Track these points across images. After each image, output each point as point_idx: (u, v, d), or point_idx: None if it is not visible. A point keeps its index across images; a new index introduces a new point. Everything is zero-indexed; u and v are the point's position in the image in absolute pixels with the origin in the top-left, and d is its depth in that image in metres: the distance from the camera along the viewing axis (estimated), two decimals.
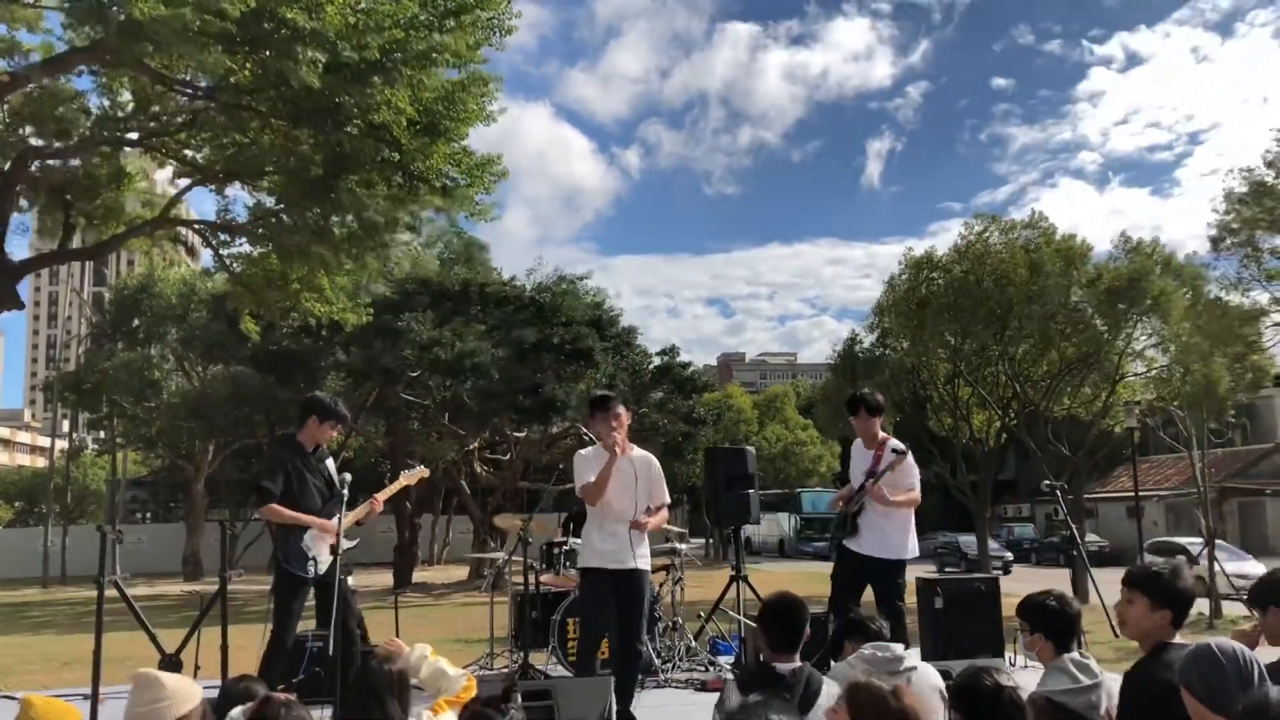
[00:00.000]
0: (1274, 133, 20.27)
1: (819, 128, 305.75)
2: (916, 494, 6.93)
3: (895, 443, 6.99)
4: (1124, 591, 3.59)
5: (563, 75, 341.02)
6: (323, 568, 6.24)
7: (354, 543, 6.12)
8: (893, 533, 6.82)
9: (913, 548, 6.93)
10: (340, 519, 5.96)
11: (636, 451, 6.47)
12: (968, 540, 36.15)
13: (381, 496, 6.66)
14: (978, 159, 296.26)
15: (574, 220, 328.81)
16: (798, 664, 3.98)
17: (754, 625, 5.61)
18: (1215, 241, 21.75)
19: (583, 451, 6.50)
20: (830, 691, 3.76)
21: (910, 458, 6.87)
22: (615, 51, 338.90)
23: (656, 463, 6.59)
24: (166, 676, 3.14)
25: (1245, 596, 4.20)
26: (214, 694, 3.82)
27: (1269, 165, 20.22)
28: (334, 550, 5.92)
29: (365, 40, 11.17)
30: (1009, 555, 36.67)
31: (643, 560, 6.30)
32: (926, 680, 4.22)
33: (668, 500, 6.57)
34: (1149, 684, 3.31)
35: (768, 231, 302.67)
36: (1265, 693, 2.23)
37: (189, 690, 3.14)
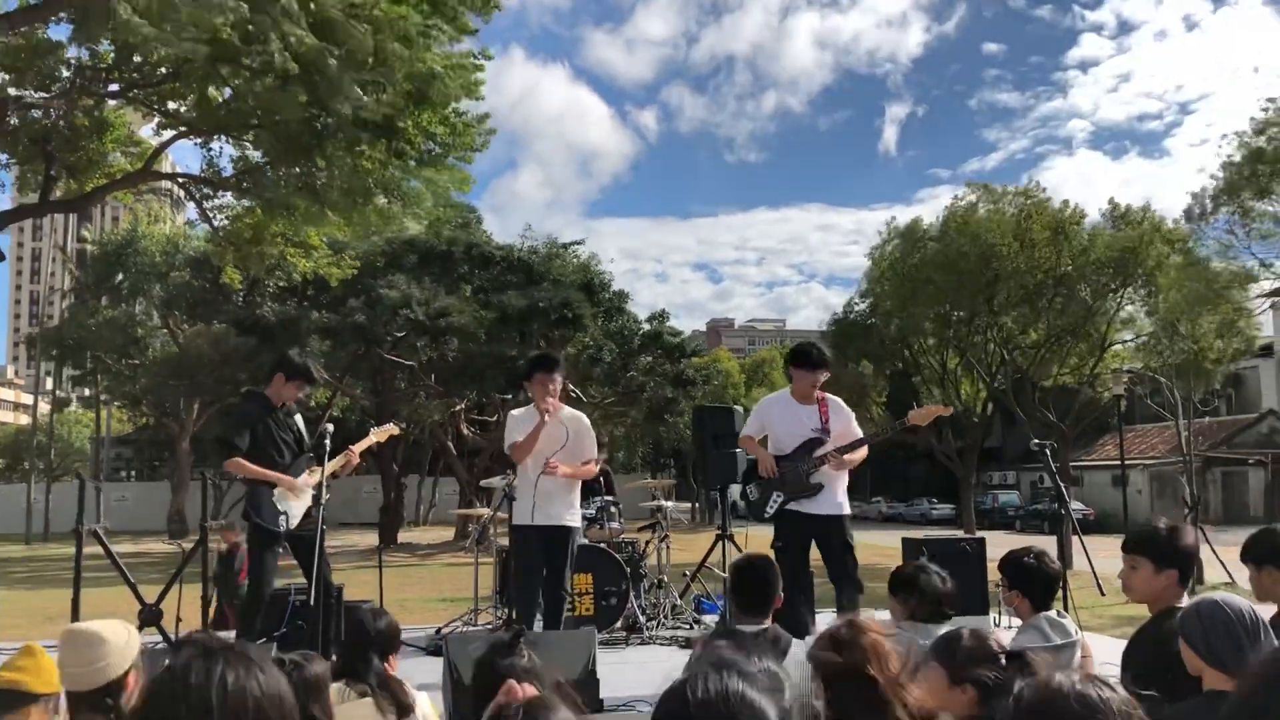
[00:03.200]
0: (1264, 103, 20.22)
1: (844, 95, 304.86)
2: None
3: (835, 398, 6.60)
4: (1126, 558, 3.53)
5: (587, 37, 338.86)
6: (294, 521, 6.23)
7: (325, 498, 6.06)
8: (841, 488, 6.40)
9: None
10: (322, 472, 5.92)
11: (566, 411, 6.62)
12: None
13: (356, 449, 6.60)
14: (967, 125, 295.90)
15: (589, 184, 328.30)
16: (766, 625, 3.90)
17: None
18: (1202, 208, 21.71)
19: (515, 411, 6.69)
20: (797, 653, 3.68)
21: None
22: (642, 14, 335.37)
23: (585, 420, 6.77)
24: (105, 629, 2.79)
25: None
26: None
27: (1258, 133, 20.17)
28: (317, 502, 5.89)
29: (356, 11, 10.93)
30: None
31: (571, 518, 6.55)
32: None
33: (592, 457, 6.72)
34: (1154, 645, 3.26)
35: (790, 194, 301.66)
36: None
37: (128, 644, 2.81)
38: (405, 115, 12.61)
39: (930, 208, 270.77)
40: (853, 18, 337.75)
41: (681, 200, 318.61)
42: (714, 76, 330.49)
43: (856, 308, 34.23)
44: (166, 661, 1.70)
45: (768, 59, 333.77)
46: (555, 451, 6.39)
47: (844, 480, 6.43)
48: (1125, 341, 29.99)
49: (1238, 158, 20.46)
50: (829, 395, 6.57)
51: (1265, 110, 20.16)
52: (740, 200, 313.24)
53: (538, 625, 6.19)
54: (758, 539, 7.00)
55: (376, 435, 6.92)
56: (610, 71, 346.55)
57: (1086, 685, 1.65)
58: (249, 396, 7.11)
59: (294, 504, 6.24)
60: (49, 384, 42.71)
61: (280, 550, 6.31)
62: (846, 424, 6.46)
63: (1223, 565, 9.03)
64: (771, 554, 4.60)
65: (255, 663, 1.64)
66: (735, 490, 8.85)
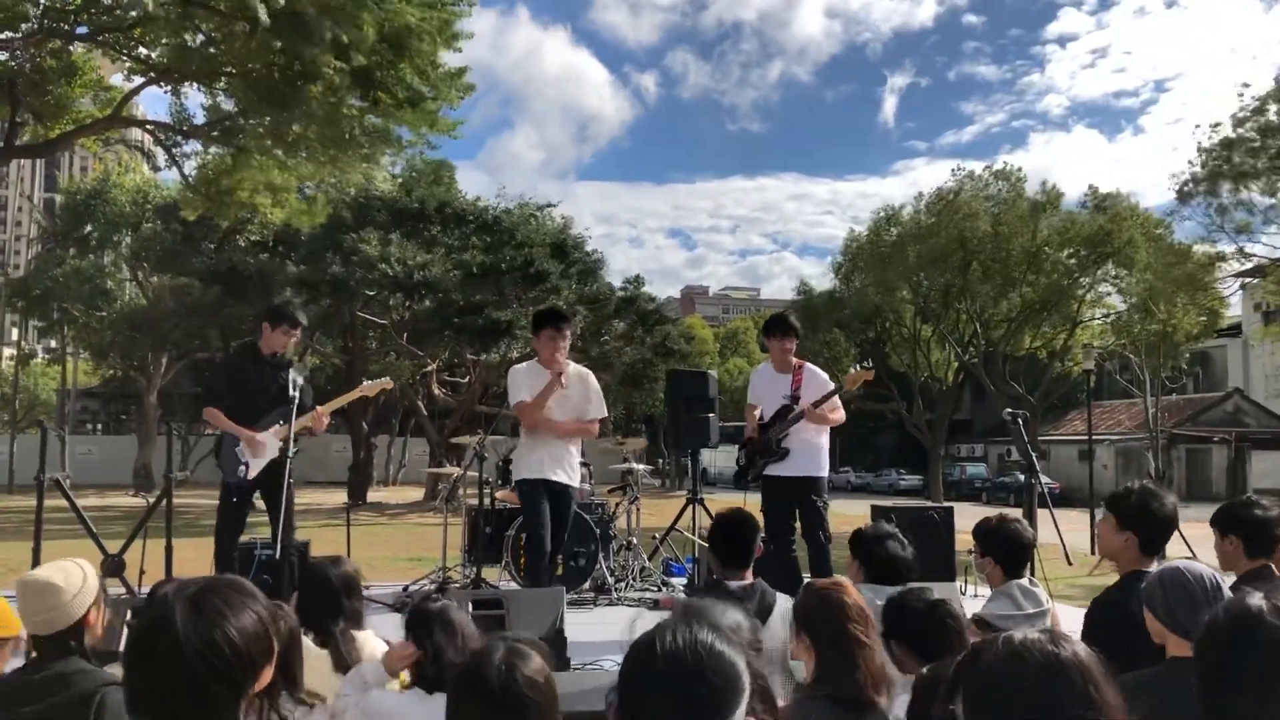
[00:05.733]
0: (1239, 88, 20.33)
1: (848, 66, 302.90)
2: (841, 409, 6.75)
3: (813, 367, 6.83)
4: (1103, 512, 3.59)
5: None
6: (253, 472, 6.19)
7: (294, 450, 6.06)
8: (818, 450, 6.65)
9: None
10: (291, 426, 5.88)
11: (572, 367, 6.49)
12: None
13: (331, 406, 6.54)
14: (944, 98, 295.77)
15: (585, 147, 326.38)
16: (749, 580, 3.92)
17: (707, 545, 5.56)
18: (1181, 193, 21.85)
19: (518, 366, 6.51)
20: (784, 608, 3.69)
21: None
22: None
23: (591, 376, 6.64)
24: (56, 573, 2.73)
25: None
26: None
27: (1238, 124, 20.27)
28: (283, 454, 5.84)
29: None
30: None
31: (574, 478, 6.52)
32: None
33: (600, 415, 6.62)
34: (1113, 608, 3.29)
35: (790, 163, 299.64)
36: (1242, 599, 2.16)
37: (84, 585, 2.76)
38: (382, 66, 12.43)
39: (905, 179, 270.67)
40: None
41: (682, 166, 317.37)
42: (720, 43, 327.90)
43: (828, 281, 34.53)
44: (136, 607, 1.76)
45: (776, 27, 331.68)
46: (563, 407, 6.32)
47: (816, 444, 6.62)
48: (1096, 318, 30.29)
49: (1212, 145, 20.59)
50: (807, 364, 6.82)
51: (1240, 95, 20.26)
52: (744, 168, 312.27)
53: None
54: (728, 504, 7.01)
55: (367, 389, 6.87)
56: (617, 35, 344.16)
57: (1053, 643, 1.61)
58: (237, 348, 7.29)
59: (260, 455, 6.20)
60: (14, 335, 42.14)
61: (237, 500, 6.26)
62: (820, 390, 6.61)
63: (1184, 541, 9.11)
64: (748, 512, 4.60)
65: (230, 600, 1.72)
66: (705, 455, 8.85)
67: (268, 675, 1.77)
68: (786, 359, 6.74)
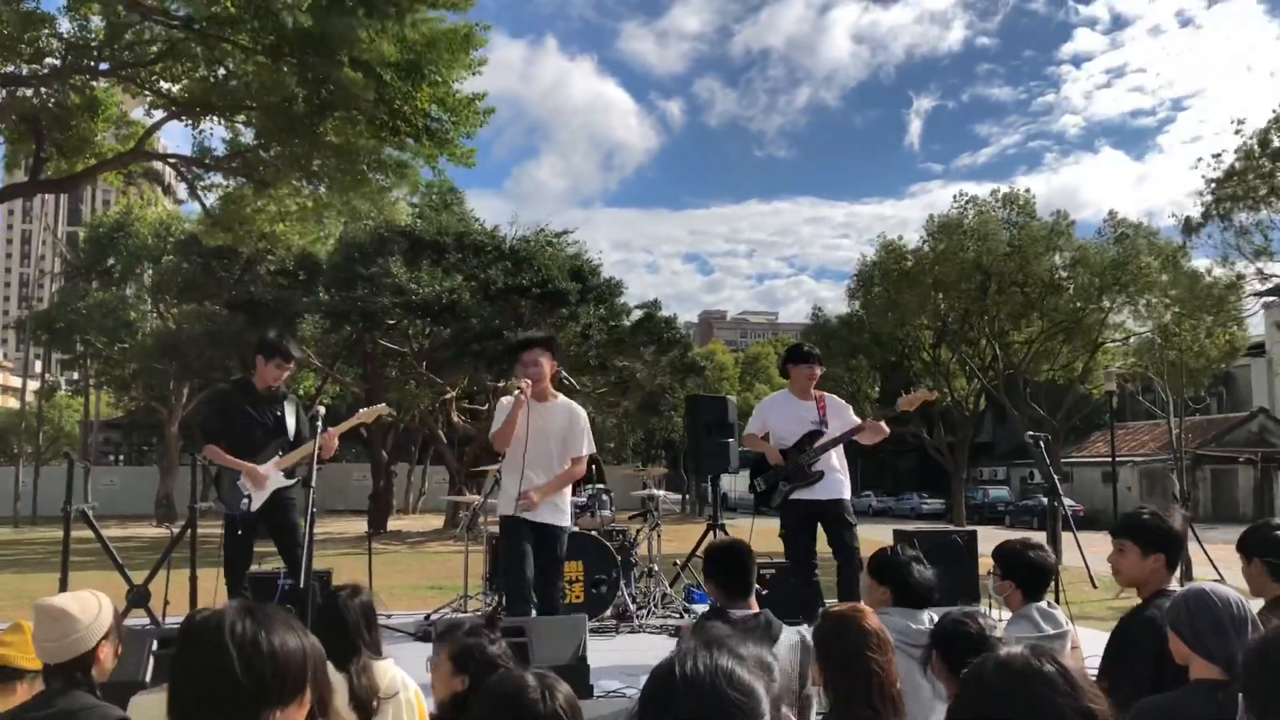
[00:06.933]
0: (1235, 125, 20.35)
1: (874, 90, 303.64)
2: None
3: (833, 397, 7.00)
4: (1114, 542, 3.57)
5: (622, 30, 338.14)
6: (256, 504, 6.24)
7: (292, 481, 6.23)
8: (842, 473, 6.77)
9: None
10: (314, 455, 5.90)
11: (560, 400, 6.33)
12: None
13: (336, 432, 6.55)
14: (958, 120, 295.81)
15: (610, 176, 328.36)
16: (754, 609, 3.89)
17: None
18: (1194, 222, 21.82)
19: (504, 399, 6.36)
20: (789, 639, 3.67)
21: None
22: (679, 9, 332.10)
23: (581, 413, 6.40)
24: (72, 603, 2.72)
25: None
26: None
27: (1261, 148, 20.25)
28: (307, 483, 5.87)
29: None
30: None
31: (559, 517, 6.20)
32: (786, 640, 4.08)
33: (585, 453, 6.32)
34: (1140, 627, 3.26)
35: (805, 186, 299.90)
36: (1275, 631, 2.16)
37: (99, 617, 2.75)
38: (400, 90, 12.57)
39: (921, 201, 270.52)
40: (894, 11, 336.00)
41: (707, 193, 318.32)
42: (747, 70, 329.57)
43: (843, 308, 34.45)
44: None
45: (804, 52, 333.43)
46: (544, 439, 6.11)
47: (842, 468, 6.76)
48: (1115, 342, 30.16)
49: (1225, 171, 20.60)
50: (827, 394, 6.97)
51: (1238, 130, 20.32)
52: (761, 192, 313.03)
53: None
54: (747, 531, 7.00)
55: (364, 415, 6.89)
56: (644, 64, 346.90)
57: (1045, 660, 1.67)
58: (232, 383, 7.34)
59: (256, 489, 6.25)
60: (38, 367, 42.49)
61: (241, 533, 6.30)
62: (845, 418, 6.80)
63: (1211, 563, 9.02)
64: (744, 540, 4.58)
65: (275, 621, 1.75)
66: (726, 480, 8.86)
67: (295, 711, 1.77)
68: (810, 386, 6.86)
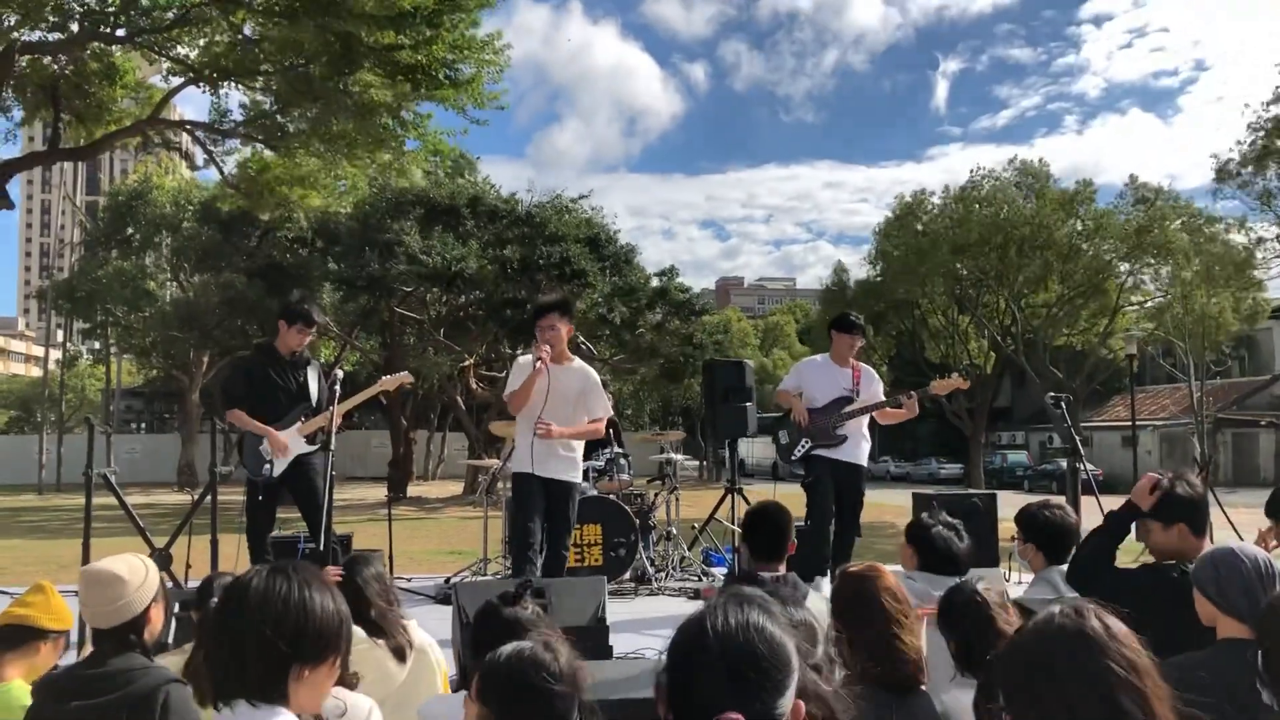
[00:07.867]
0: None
1: (904, 53, 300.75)
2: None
3: (869, 368, 7.37)
4: (1138, 523, 3.53)
5: None
6: (278, 470, 6.29)
7: (314, 447, 6.28)
8: (866, 443, 7.21)
9: None
10: (331, 418, 5.93)
11: (575, 363, 6.40)
12: None
13: (352, 402, 6.60)
14: (980, 82, 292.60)
15: (634, 142, 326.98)
16: (782, 572, 3.90)
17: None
18: (1221, 172, 21.50)
19: (521, 359, 6.42)
20: (816, 602, 3.66)
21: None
22: None
23: (594, 374, 6.50)
24: (122, 568, 2.71)
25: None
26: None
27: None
28: (326, 447, 5.90)
29: None
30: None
31: (571, 471, 6.27)
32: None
33: (602, 415, 6.45)
34: (1163, 587, 3.24)
35: (823, 149, 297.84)
36: None
37: (147, 580, 2.74)
38: (418, 45, 12.46)
39: (939, 165, 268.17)
40: None
41: (732, 158, 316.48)
42: (773, 33, 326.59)
43: (861, 274, 34.29)
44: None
45: (831, 14, 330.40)
46: (562, 401, 6.13)
47: (865, 436, 7.14)
48: (1134, 305, 29.97)
49: (1263, 122, 20.24)
50: (864, 365, 7.35)
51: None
52: (779, 156, 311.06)
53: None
54: (766, 495, 7.02)
55: (385, 383, 6.92)
56: (669, 27, 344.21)
57: (1078, 614, 1.65)
58: (254, 348, 7.34)
59: (278, 455, 6.30)
60: (60, 336, 42.80)
61: (263, 498, 6.36)
62: (876, 390, 7.17)
63: (1233, 527, 8.97)
64: (782, 503, 4.57)
65: (313, 583, 1.84)
66: (743, 446, 8.88)
67: (326, 673, 1.82)
68: (849, 355, 7.19)
